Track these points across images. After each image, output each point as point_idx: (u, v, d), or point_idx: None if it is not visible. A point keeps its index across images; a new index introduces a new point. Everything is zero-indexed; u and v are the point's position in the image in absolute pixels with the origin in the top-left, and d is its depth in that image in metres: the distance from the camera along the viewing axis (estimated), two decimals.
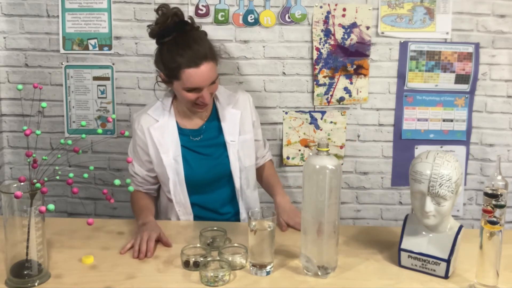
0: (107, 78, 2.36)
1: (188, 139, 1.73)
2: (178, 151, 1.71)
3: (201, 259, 1.35)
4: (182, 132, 1.73)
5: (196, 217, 1.76)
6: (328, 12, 2.31)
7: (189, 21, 1.63)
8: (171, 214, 1.78)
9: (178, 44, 1.57)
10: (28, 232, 1.24)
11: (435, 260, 1.32)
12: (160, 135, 1.71)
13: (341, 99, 2.38)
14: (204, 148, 1.74)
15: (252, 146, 1.80)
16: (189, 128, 1.74)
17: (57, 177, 1.24)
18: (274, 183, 1.86)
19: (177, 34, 1.58)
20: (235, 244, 1.44)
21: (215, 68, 1.62)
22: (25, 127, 1.22)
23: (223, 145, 1.74)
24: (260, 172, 1.92)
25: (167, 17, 1.58)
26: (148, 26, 1.65)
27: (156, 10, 1.62)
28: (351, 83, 2.37)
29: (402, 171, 2.44)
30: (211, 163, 1.74)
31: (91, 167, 1.35)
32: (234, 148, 1.73)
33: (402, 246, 1.37)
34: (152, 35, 1.63)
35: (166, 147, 1.70)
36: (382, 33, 2.34)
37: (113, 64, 2.35)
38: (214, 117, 1.76)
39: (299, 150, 2.43)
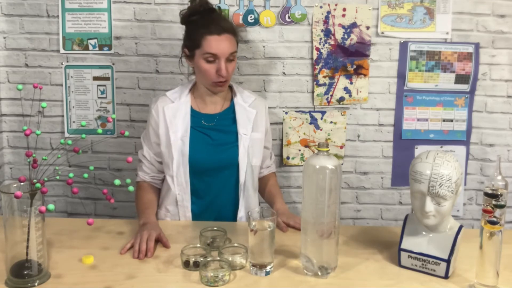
0: (107, 78, 2.36)
1: (200, 122, 1.78)
2: (187, 132, 1.75)
3: (201, 259, 1.35)
4: (195, 114, 1.79)
5: (194, 215, 1.76)
6: (328, 12, 2.31)
7: (218, 10, 1.78)
8: (168, 203, 1.78)
9: (205, 19, 1.71)
10: (28, 232, 1.24)
11: (435, 260, 1.32)
12: (172, 115, 1.77)
13: (341, 99, 2.38)
14: (215, 132, 1.78)
15: (260, 148, 1.84)
16: (204, 112, 1.80)
17: (57, 177, 1.24)
18: (275, 193, 1.88)
19: (205, 14, 1.73)
20: (235, 244, 1.44)
21: (235, 44, 1.72)
22: (25, 127, 1.22)
23: (234, 135, 1.78)
24: (263, 182, 1.93)
25: (198, 4, 1.74)
26: (181, 11, 1.79)
27: (190, 1, 1.78)
28: (351, 83, 2.37)
29: (402, 171, 2.44)
30: (218, 149, 1.76)
31: (91, 167, 1.35)
32: (245, 142, 1.77)
33: (402, 246, 1.37)
34: (183, 18, 1.77)
35: (176, 126, 1.75)
36: (382, 33, 2.34)
37: (113, 64, 2.35)
38: (230, 110, 1.82)
39: (299, 150, 2.43)
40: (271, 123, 2.40)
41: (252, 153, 1.78)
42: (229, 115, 1.81)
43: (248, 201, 1.79)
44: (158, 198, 1.83)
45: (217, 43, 1.67)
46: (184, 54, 1.78)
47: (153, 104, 1.81)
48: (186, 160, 1.73)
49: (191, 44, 1.72)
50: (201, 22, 1.71)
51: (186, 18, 1.76)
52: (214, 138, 1.77)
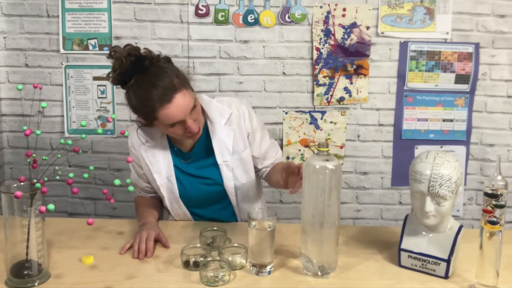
0: (107, 78, 2.36)
1: (179, 160, 1.69)
2: (171, 170, 1.66)
3: (201, 259, 1.35)
4: (174, 151, 1.69)
5: (195, 219, 1.76)
6: (328, 12, 2.31)
7: (145, 54, 1.51)
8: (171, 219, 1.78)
9: (142, 86, 1.47)
10: (28, 232, 1.24)
11: (435, 260, 1.32)
12: (151, 156, 1.66)
13: (341, 99, 2.38)
14: (196, 170, 1.70)
15: (249, 162, 1.72)
16: (180, 149, 1.70)
17: (57, 177, 1.24)
18: (276, 166, 1.72)
19: (137, 76, 1.48)
20: (235, 244, 1.44)
21: (190, 94, 1.51)
22: (25, 127, 1.22)
23: (214, 165, 1.68)
24: (270, 177, 1.78)
25: (121, 61, 1.48)
26: (108, 74, 1.55)
27: (108, 56, 1.53)
28: (351, 83, 2.37)
29: (402, 171, 2.45)
30: (204, 183, 1.70)
31: (91, 167, 1.35)
32: (227, 168, 1.67)
33: (402, 246, 1.37)
34: (115, 83, 1.53)
35: (158, 167, 1.66)
36: (382, 33, 2.34)
37: None
38: (205, 136, 1.68)
39: (299, 150, 2.43)
40: (271, 123, 2.40)
41: (239, 174, 1.69)
42: (204, 143, 1.68)
43: (246, 215, 1.75)
44: (160, 205, 1.81)
45: (174, 111, 1.46)
46: (141, 123, 1.59)
47: (129, 140, 1.68)
48: (178, 197, 1.68)
49: (145, 117, 1.53)
50: (140, 91, 1.47)
51: (119, 84, 1.52)
52: (196, 174, 1.69)
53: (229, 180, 1.68)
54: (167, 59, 1.57)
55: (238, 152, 1.69)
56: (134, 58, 1.48)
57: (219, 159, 1.67)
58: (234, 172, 1.69)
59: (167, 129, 1.54)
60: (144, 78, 1.48)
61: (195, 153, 1.69)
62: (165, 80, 1.46)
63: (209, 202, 1.73)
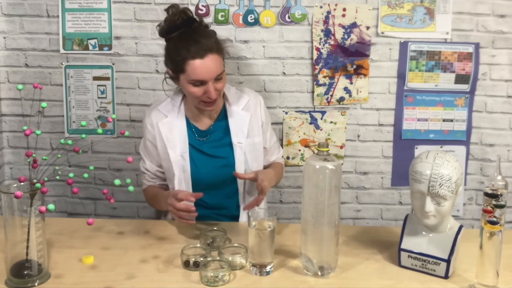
0: (107, 78, 2.36)
1: (194, 137, 1.74)
2: (186, 148, 1.71)
3: (201, 259, 1.35)
4: (191, 129, 1.75)
5: (197, 219, 1.76)
6: (328, 12, 2.31)
7: (197, 19, 1.65)
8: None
9: (184, 38, 1.60)
10: (28, 232, 1.24)
11: (435, 260, 1.32)
12: (168, 131, 1.72)
13: (341, 99, 2.38)
14: (210, 148, 1.74)
15: (260, 150, 1.79)
16: (197, 127, 1.76)
17: (57, 177, 1.24)
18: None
19: (184, 29, 1.61)
20: (235, 244, 1.44)
21: (221, 62, 1.62)
22: (25, 127, 1.22)
23: (229, 146, 1.74)
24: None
25: (175, 15, 1.61)
26: (158, 25, 1.67)
27: (166, 10, 1.65)
28: (351, 83, 2.37)
29: (402, 171, 2.44)
30: (216, 164, 1.73)
31: (91, 167, 1.35)
32: (241, 150, 1.72)
33: (402, 246, 1.37)
34: (161, 33, 1.66)
35: (173, 143, 1.71)
36: (382, 33, 2.34)
37: (113, 64, 2.35)
38: (223, 118, 1.76)
39: (299, 150, 2.43)
40: (271, 123, 2.39)
41: (250, 159, 1.74)
42: (222, 123, 1.76)
43: None
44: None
45: (202, 68, 1.57)
46: (168, 75, 1.69)
47: (147, 118, 1.76)
48: (188, 176, 1.71)
49: (174, 67, 1.63)
50: (180, 42, 1.59)
51: (165, 34, 1.65)
52: (210, 153, 1.74)
53: (241, 162, 1.72)
54: (214, 32, 1.68)
55: (252, 136, 1.76)
56: (186, 17, 1.62)
57: (234, 139, 1.73)
58: (246, 156, 1.74)
59: (188, 87, 1.61)
60: (189, 33, 1.61)
61: (211, 132, 1.75)
62: (207, 40, 1.60)
63: (217, 185, 1.74)
